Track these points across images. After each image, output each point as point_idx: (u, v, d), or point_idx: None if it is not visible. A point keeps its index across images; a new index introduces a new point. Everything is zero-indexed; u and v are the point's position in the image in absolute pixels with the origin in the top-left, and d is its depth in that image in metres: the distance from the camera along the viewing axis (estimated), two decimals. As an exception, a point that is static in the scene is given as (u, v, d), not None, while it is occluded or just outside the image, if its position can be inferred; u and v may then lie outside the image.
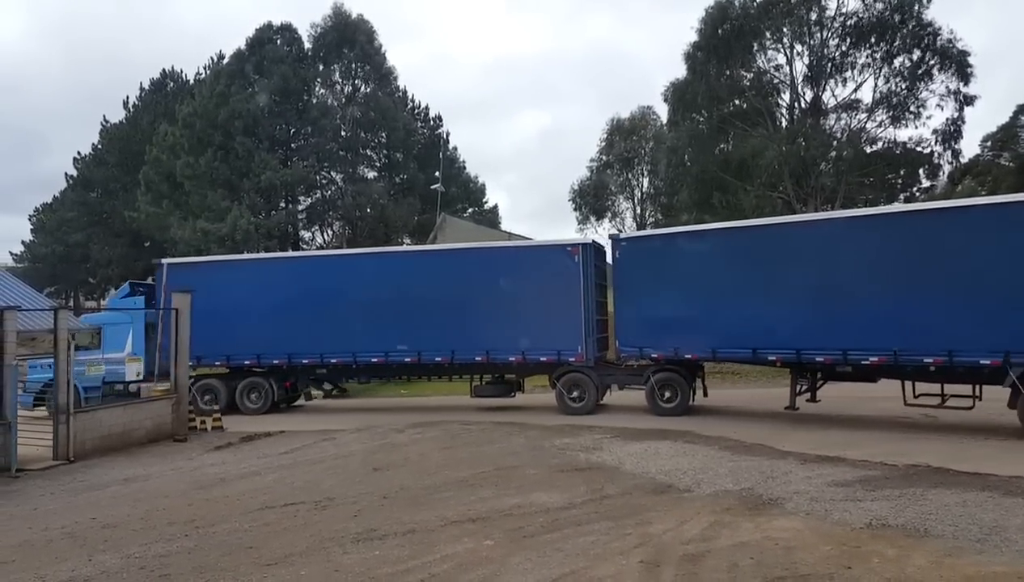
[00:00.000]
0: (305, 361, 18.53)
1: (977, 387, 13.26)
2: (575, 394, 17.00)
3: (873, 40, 32.40)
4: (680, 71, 37.29)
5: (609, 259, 17.98)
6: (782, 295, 14.34)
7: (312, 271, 19.25)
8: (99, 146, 48.68)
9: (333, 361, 18.32)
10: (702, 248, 15.86)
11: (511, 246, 21.43)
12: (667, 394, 16.15)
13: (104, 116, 49.15)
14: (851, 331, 13.51)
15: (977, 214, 12.98)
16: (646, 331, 16.08)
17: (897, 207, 15.32)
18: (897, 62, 32.73)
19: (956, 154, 34.56)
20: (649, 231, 17.35)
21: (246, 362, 18.48)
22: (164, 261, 19.92)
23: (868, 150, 34.74)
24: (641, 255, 16.50)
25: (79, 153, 49.22)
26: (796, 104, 36.02)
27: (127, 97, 48.65)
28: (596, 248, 17.84)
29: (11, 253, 51.09)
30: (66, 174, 49.02)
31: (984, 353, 12.35)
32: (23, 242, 51.67)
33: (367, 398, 22.37)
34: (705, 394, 17.09)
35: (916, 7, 31.46)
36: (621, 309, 16.68)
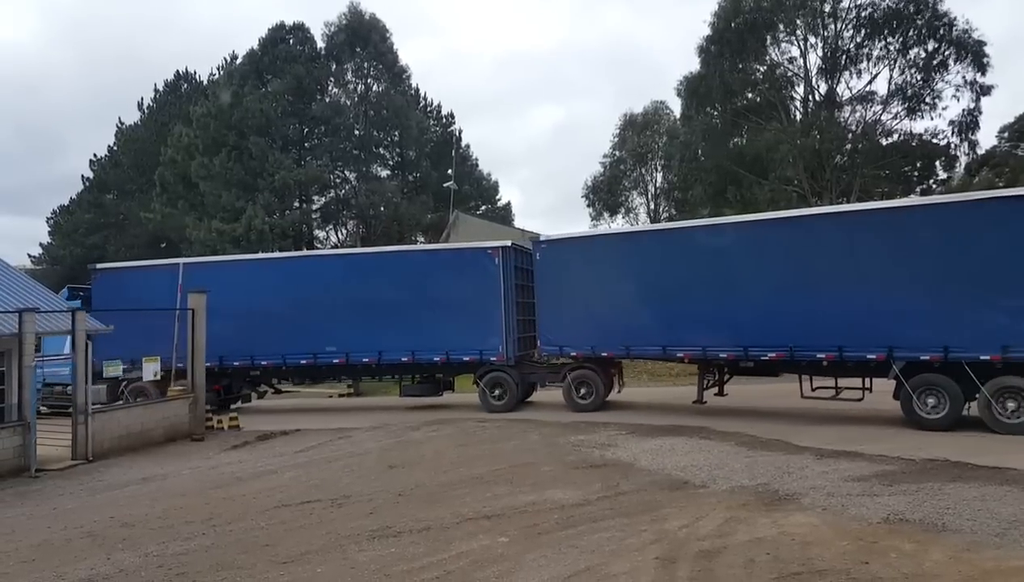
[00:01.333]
0: (236, 364, 18.62)
1: (867, 380, 14.10)
2: (497, 392, 17.51)
3: (888, 31, 32.09)
4: (693, 65, 37.15)
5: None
6: (689, 295, 15.05)
7: (241, 275, 19.24)
8: (114, 148, 49.07)
9: (263, 363, 18.40)
10: (617, 251, 16.63)
11: (434, 249, 22.05)
12: (583, 391, 16.75)
13: (119, 118, 49.56)
14: (751, 329, 14.32)
15: (861, 218, 13.90)
16: (566, 330, 16.60)
17: (788, 212, 16.47)
18: (912, 53, 32.40)
19: (973, 145, 34.24)
20: (567, 234, 18.24)
21: (179, 365, 17.42)
22: (99, 266, 20.37)
23: (884, 142, 34.43)
24: (561, 257, 16.90)
25: (95, 155, 49.67)
26: (810, 97, 35.75)
27: (142, 99, 49.06)
28: (518, 251, 18.34)
29: (29, 255, 51.58)
30: (82, 176, 49.48)
31: (871, 348, 13.16)
32: (40, 244, 52.19)
33: (381, 396, 22.43)
34: (619, 391, 17.93)
35: (931, -3, 31.13)
36: (542, 309, 17.15)
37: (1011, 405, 12.15)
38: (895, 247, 13.06)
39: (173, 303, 17.42)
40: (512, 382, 17.41)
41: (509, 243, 18.16)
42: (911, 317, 12.77)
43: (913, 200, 15.99)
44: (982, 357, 12.21)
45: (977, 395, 12.39)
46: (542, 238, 17.51)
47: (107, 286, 19.09)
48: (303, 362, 18.41)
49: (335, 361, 18.30)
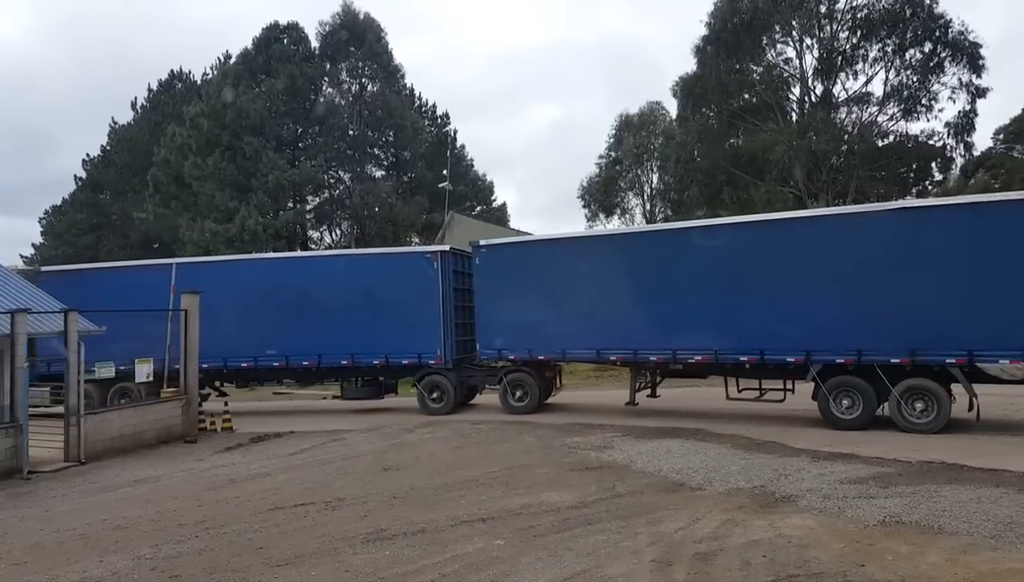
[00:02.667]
0: (177, 366, 18.18)
1: (788, 382, 14.76)
2: (435, 395, 17.82)
3: (884, 32, 32.16)
4: (690, 63, 37.17)
5: None
6: (620, 301, 15.52)
7: (182, 278, 18.96)
8: (108, 147, 48.89)
9: (204, 366, 18.02)
10: (553, 257, 16.77)
11: (374, 253, 21.97)
12: (518, 393, 17.09)
13: (112, 117, 49.38)
14: (679, 333, 14.93)
15: (780, 228, 14.61)
16: (504, 334, 16.89)
17: (712, 221, 16.94)
18: (908, 54, 32.47)
19: (968, 147, 34.30)
20: (506, 239, 19.21)
21: (121, 367, 16.88)
22: (43, 269, 20.30)
23: (880, 144, 34.50)
24: (499, 262, 17.15)
25: (88, 155, 49.48)
26: (806, 98, 35.81)
27: (135, 98, 48.87)
28: (458, 255, 18.56)
29: (21, 255, 51.32)
30: (75, 176, 49.28)
31: (790, 352, 13.79)
32: (33, 245, 51.98)
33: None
34: (552, 394, 18.36)
35: (927, -1, 31.22)
36: (481, 313, 17.37)
37: (919, 405, 12.80)
38: (812, 255, 13.64)
39: (122, 306, 16.76)
40: (450, 385, 17.70)
41: (447, 248, 18.51)
42: (827, 322, 13.37)
43: (828, 210, 17.03)
44: (892, 360, 12.89)
45: (888, 396, 13.02)
46: (481, 243, 17.74)
47: (48, 290, 18.41)
48: (244, 365, 18.52)
49: (275, 364, 18.42)
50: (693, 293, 14.69)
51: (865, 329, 13.03)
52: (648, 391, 16.64)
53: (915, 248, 12.67)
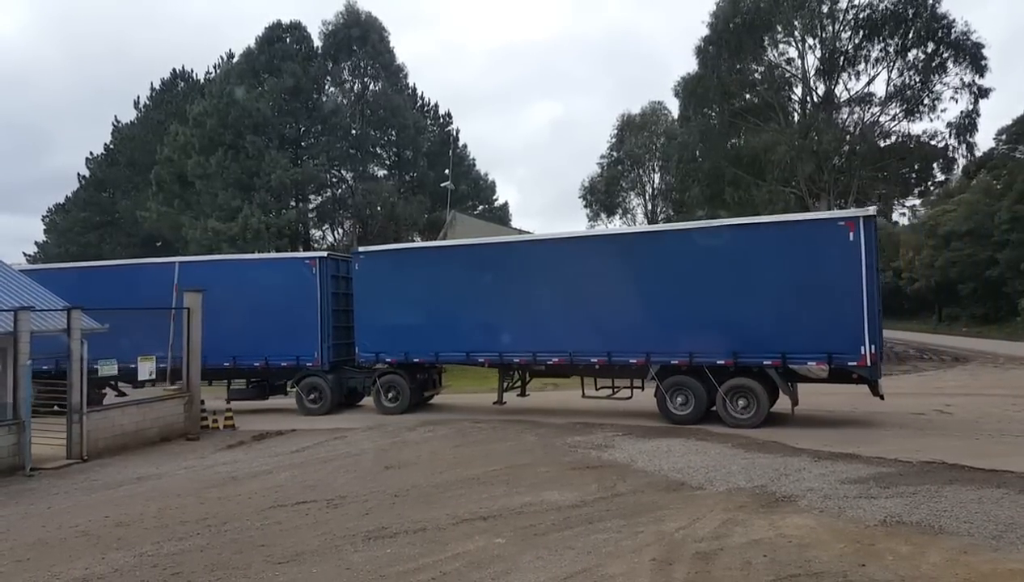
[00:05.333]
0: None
1: (635, 381, 15.86)
2: (312, 396, 18.40)
3: (886, 33, 32.15)
4: (692, 62, 37.18)
5: None
6: (487, 306, 16.43)
7: (80, 282, 19.01)
8: (111, 146, 48.98)
9: (95, 367, 18.17)
10: (426, 264, 17.72)
11: (256, 258, 22.18)
12: (391, 394, 17.75)
13: (115, 116, 49.49)
14: (538, 336, 15.87)
15: (623, 241, 16.13)
16: (381, 337, 17.47)
17: (566, 233, 17.86)
18: (911, 55, 32.47)
19: (971, 148, 34.32)
20: (383, 247, 20.06)
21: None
22: None
23: (882, 144, 34.50)
24: (377, 268, 17.76)
25: (91, 153, 49.61)
26: (808, 98, 35.82)
27: (138, 97, 49.01)
28: (338, 261, 19.07)
29: (25, 254, 51.42)
30: (78, 174, 49.42)
31: (633, 354, 14.96)
32: (36, 243, 52.11)
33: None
34: (433, 395, 19.34)
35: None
36: (360, 317, 17.89)
37: (741, 402, 14.08)
38: (651, 266, 14.92)
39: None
40: (327, 387, 18.22)
41: (326, 254, 19.09)
42: (664, 327, 14.66)
43: (664, 226, 19.20)
44: (718, 362, 14.15)
45: (716, 394, 14.26)
46: (360, 250, 18.52)
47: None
48: (132, 366, 18.39)
49: (162, 366, 17.99)
50: (548, 299, 15.74)
51: (696, 334, 14.29)
52: (518, 391, 17.52)
53: (737, 261, 14.01)
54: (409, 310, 17.12)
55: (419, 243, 19.49)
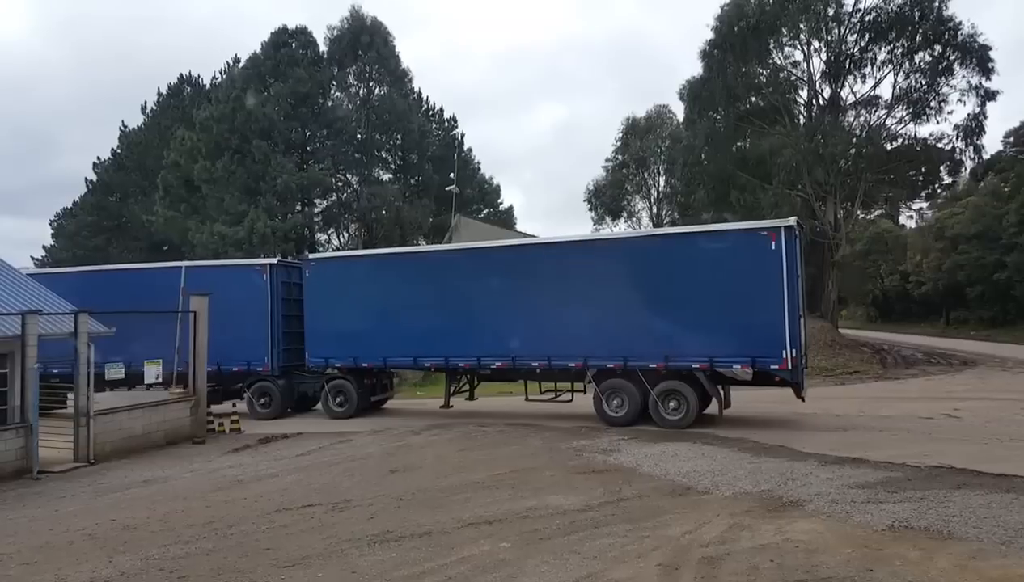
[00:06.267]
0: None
1: (577, 385, 16.40)
2: (263, 400, 18.79)
3: (892, 36, 32.07)
4: (697, 68, 37.13)
5: None
6: (433, 313, 16.77)
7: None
8: (118, 151, 49.19)
9: (55, 371, 17.33)
10: (374, 271, 18.03)
11: (206, 265, 22.24)
12: (339, 399, 18.09)
13: (123, 121, 49.72)
14: (482, 342, 16.25)
15: (562, 249, 16.29)
16: (330, 343, 17.75)
17: (507, 241, 18.74)
18: (917, 57, 32.37)
19: (978, 150, 34.19)
20: (333, 254, 21.31)
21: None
22: None
23: (888, 147, 34.38)
24: (326, 275, 18.10)
25: (99, 158, 49.81)
26: (814, 101, 35.77)
27: (145, 102, 49.22)
28: (289, 268, 19.47)
29: (32, 257, 51.60)
30: (86, 179, 49.62)
31: (571, 358, 15.40)
32: (44, 246, 52.31)
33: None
34: (385, 399, 19.71)
35: (936, 2, 31.10)
36: (310, 323, 18.18)
37: (672, 404, 14.57)
38: (587, 274, 15.28)
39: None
40: (277, 392, 18.63)
41: (276, 261, 19.41)
42: (600, 332, 15.09)
43: (600, 235, 20.10)
44: (651, 365, 14.63)
45: (649, 396, 14.73)
46: (310, 257, 19.12)
47: None
48: (97, 373, 18.59)
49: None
50: (491, 306, 16.22)
51: (630, 339, 14.81)
52: (467, 395, 17.94)
53: (668, 269, 14.66)
54: (358, 316, 17.44)
55: (367, 251, 20.10)
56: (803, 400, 14.27)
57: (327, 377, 18.15)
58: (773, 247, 13.51)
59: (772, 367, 13.60)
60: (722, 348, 14.03)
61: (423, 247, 19.47)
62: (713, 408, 14.97)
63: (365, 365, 17.79)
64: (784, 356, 13.43)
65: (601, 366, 15.18)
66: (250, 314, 18.31)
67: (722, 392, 14.77)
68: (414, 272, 17.48)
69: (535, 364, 15.89)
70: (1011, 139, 47.82)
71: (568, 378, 16.24)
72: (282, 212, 38.56)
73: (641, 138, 57.75)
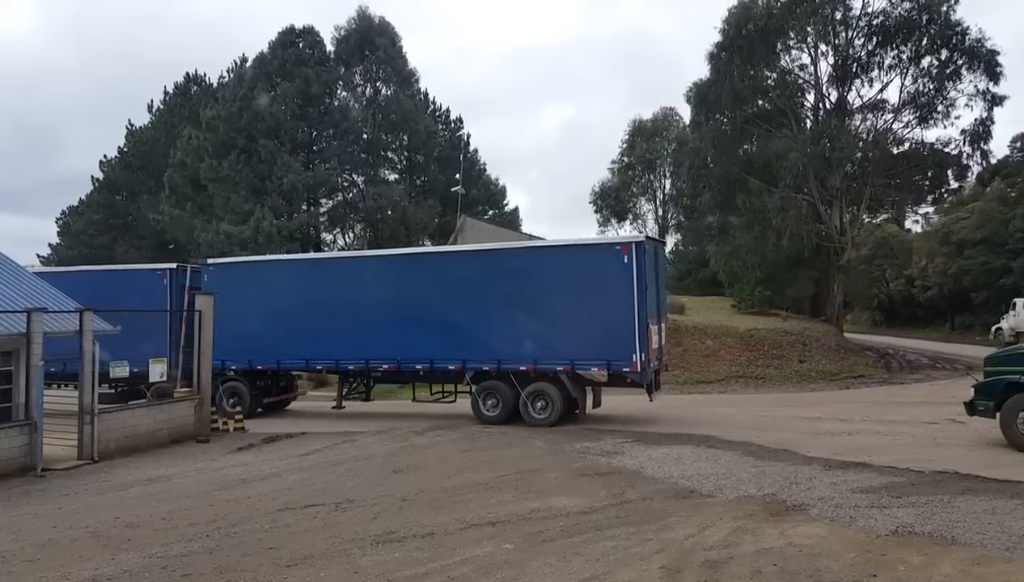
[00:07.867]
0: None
1: (457, 386, 17.27)
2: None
3: (900, 40, 31.95)
4: (704, 69, 37.06)
5: None
6: (323, 317, 17.28)
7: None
8: (124, 149, 49.36)
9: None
10: (269, 276, 18.85)
11: (109, 269, 22.62)
12: (232, 400, 18.48)
13: (129, 120, 49.89)
14: (369, 345, 16.91)
15: (444, 258, 17.81)
16: (227, 345, 17.56)
17: (393, 251, 20.40)
18: (924, 62, 32.26)
19: (985, 155, 34.01)
20: (232, 259, 21.33)
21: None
22: None
23: (895, 151, 34.26)
24: (225, 280, 18.39)
25: (105, 156, 50.02)
26: (821, 104, 35.65)
27: (151, 101, 49.39)
28: (194, 271, 19.77)
29: (38, 255, 51.82)
30: (92, 177, 49.83)
31: (451, 361, 16.31)
32: (50, 244, 52.53)
33: (386, 401, 22.39)
34: (288, 400, 20.37)
35: (944, 7, 30.98)
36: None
37: (539, 404, 15.53)
38: (464, 282, 16.26)
39: None
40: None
41: (175, 265, 20.00)
42: (476, 337, 15.97)
43: (474, 247, 20.34)
44: (521, 368, 15.60)
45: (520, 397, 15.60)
46: (210, 262, 19.53)
47: None
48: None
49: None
50: (378, 311, 16.87)
51: (503, 343, 15.72)
52: (362, 396, 18.54)
53: (534, 279, 15.66)
54: (253, 320, 17.72)
55: (262, 257, 21.15)
56: (651, 400, 15.62)
57: (222, 379, 18.22)
58: (625, 261, 14.65)
59: (624, 370, 14.74)
60: (582, 352, 15.11)
61: (314, 254, 19.81)
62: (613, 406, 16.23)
63: (260, 368, 18.29)
64: (634, 360, 14.58)
65: (478, 368, 16.10)
66: (151, 317, 18.61)
67: (589, 393, 16.05)
68: (307, 278, 18.24)
69: (419, 367, 16.69)
70: (1018, 144, 47.68)
71: (450, 379, 17.09)
72: (288, 211, 38.63)
73: (647, 140, 57.68)
